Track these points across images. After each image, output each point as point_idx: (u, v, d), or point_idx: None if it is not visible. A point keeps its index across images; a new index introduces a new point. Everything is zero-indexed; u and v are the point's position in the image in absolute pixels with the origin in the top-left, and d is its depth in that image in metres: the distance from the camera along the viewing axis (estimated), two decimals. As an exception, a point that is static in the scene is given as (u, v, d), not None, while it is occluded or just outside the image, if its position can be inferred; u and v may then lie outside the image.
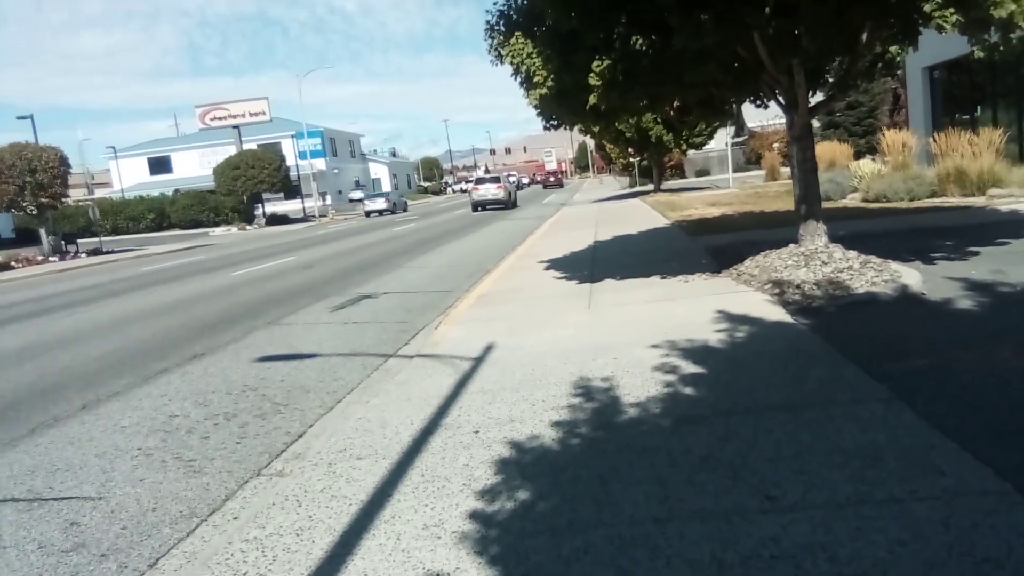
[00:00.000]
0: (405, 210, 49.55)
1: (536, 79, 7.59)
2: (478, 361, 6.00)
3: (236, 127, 50.85)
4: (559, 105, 8.25)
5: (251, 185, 45.38)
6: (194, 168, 64.91)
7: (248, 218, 46.64)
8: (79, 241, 33.09)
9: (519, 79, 8.11)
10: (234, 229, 44.01)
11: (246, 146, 50.06)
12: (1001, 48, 6.41)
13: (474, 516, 3.23)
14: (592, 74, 7.30)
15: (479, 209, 37.39)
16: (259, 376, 6.61)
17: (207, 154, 62.48)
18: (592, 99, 7.55)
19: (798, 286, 6.93)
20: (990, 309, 5.88)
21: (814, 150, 8.28)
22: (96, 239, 34.79)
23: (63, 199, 31.29)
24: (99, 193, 65.82)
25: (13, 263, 27.63)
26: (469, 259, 15.14)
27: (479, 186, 39.51)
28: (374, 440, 4.42)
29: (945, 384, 4.18)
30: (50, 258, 29.59)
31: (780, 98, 8.19)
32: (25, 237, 34.97)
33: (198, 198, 48.86)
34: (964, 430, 3.42)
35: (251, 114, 52.44)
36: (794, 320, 6.04)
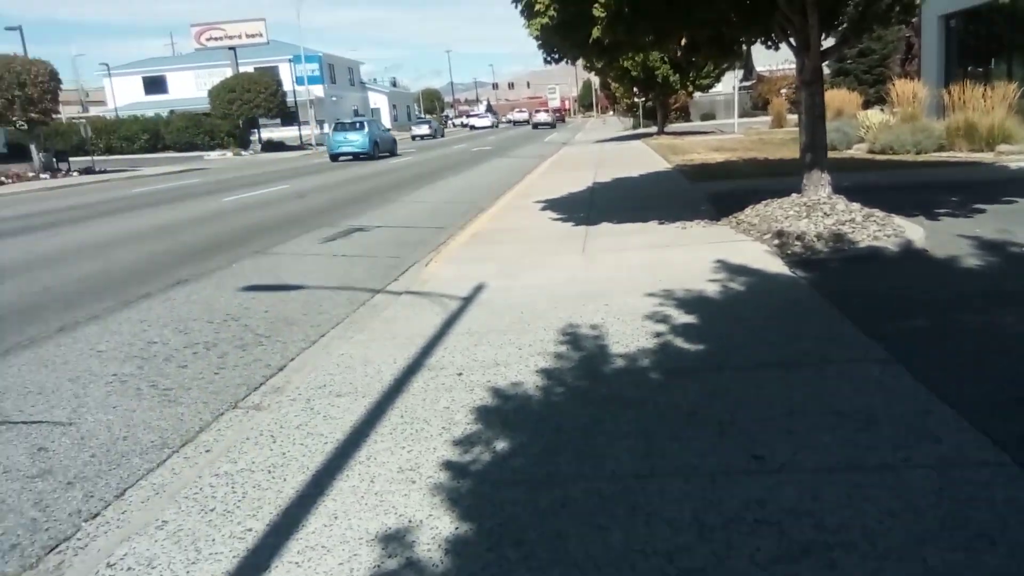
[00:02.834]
0: (443, 136, 58.76)
1: (537, 7, 7.19)
2: (467, 301, 5.86)
3: (232, 48, 49.43)
4: (561, 37, 7.87)
5: (247, 110, 44.39)
6: (190, 89, 63.41)
7: (244, 143, 45.80)
8: (71, 159, 32.45)
9: (519, 7, 7.71)
10: (229, 154, 43.26)
11: (242, 69, 48.75)
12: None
13: (451, 463, 3.13)
14: (597, 5, 6.93)
15: (536, 128, 64.31)
16: (242, 306, 6.46)
17: (203, 76, 60.90)
18: (596, 32, 7.18)
19: (798, 237, 6.76)
20: (995, 270, 5.73)
21: (823, 96, 7.99)
22: (88, 158, 34.15)
23: (53, 115, 30.60)
24: (93, 111, 64.38)
25: (3, 179, 27.17)
26: (465, 196, 14.86)
27: (536, 115, 72.27)
28: (355, 377, 4.30)
29: (945, 347, 4.06)
30: (41, 175, 29.05)
31: (792, 40, 7.84)
32: (16, 153, 34.25)
33: (193, 120, 47.88)
34: (963, 396, 3.31)
35: (248, 35, 50.86)
36: (792, 273, 5.89)
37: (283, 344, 5.31)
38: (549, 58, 9.01)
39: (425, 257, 8.23)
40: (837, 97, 24.28)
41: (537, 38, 8.19)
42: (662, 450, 3.06)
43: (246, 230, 11.19)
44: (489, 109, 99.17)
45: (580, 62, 14.29)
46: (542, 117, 69.79)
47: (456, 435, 3.39)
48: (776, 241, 6.84)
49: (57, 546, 2.83)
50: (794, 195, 7.91)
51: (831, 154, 10.12)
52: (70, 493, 3.26)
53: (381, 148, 32.07)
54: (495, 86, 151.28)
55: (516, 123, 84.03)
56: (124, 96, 65.98)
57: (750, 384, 3.67)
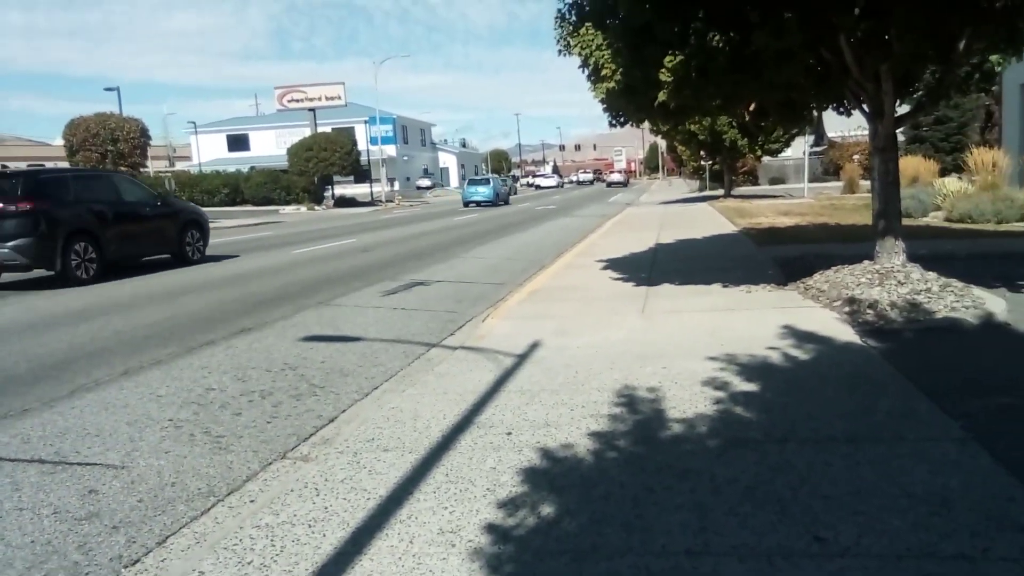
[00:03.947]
0: (516, 192, 62.79)
1: (604, 72, 7.29)
2: (522, 359, 5.78)
3: (312, 110, 51.76)
4: (627, 101, 7.92)
5: (322, 167, 46.11)
6: (270, 147, 66.40)
7: (317, 199, 47.44)
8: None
9: (587, 72, 7.82)
10: (303, 208, 44.83)
11: (321, 129, 50.86)
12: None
13: (493, 526, 3.01)
14: (663, 70, 6.96)
15: (609, 186, 74.02)
16: (301, 355, 6.53)
17: (283, 134, 63.78)
18: (662, 96, 7.21)
19: (871, 306, 6.48)
20: (1086, 347, 5.35)
21: (897, 162, 7.75)
22: (171, 209, 35.84)
23: (141, 168, 32.43)
24: (179, 166, 67.97)
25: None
26: (526, 253, 14.92)
27: (611, 175, 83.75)
28: (404, 432, 4.25)
29: (1031, 428, 3.76)
30: (127, 225, 30.65)
31: (864, 106, 7.69)
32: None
33: (271, 176, 49.89)
34: (1052, 483, 3.03)
35: (327, 98, 53.29)
36: (864, 343, 5.62)
37: (336, 395, 5.32)
38: (615, 121, 9.09)
39: (483, 313, 8.22)
40: (912, 164, 23.71)
41: (603, 101, 8.27)
42: (717, 526, 2.88)
43: (312, 281, 11.44)
44: (555, 170, 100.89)
45: (646, 125, 14.35)
46: (615, 177, 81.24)
47: (501, 497, 3.28)
48: (847, 309, 6.57)
49: (95, 591, 2.82)
50: (866, 262, 7.63)
51: (906, 221, 9.80)
52: (114, 537, 3.26)
53: (500, 197, 43.10)
54: (562, 147, 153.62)
55: (581, 183, 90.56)
56: (209, 152, 69.61)
57: (815, 459, 3.45)
